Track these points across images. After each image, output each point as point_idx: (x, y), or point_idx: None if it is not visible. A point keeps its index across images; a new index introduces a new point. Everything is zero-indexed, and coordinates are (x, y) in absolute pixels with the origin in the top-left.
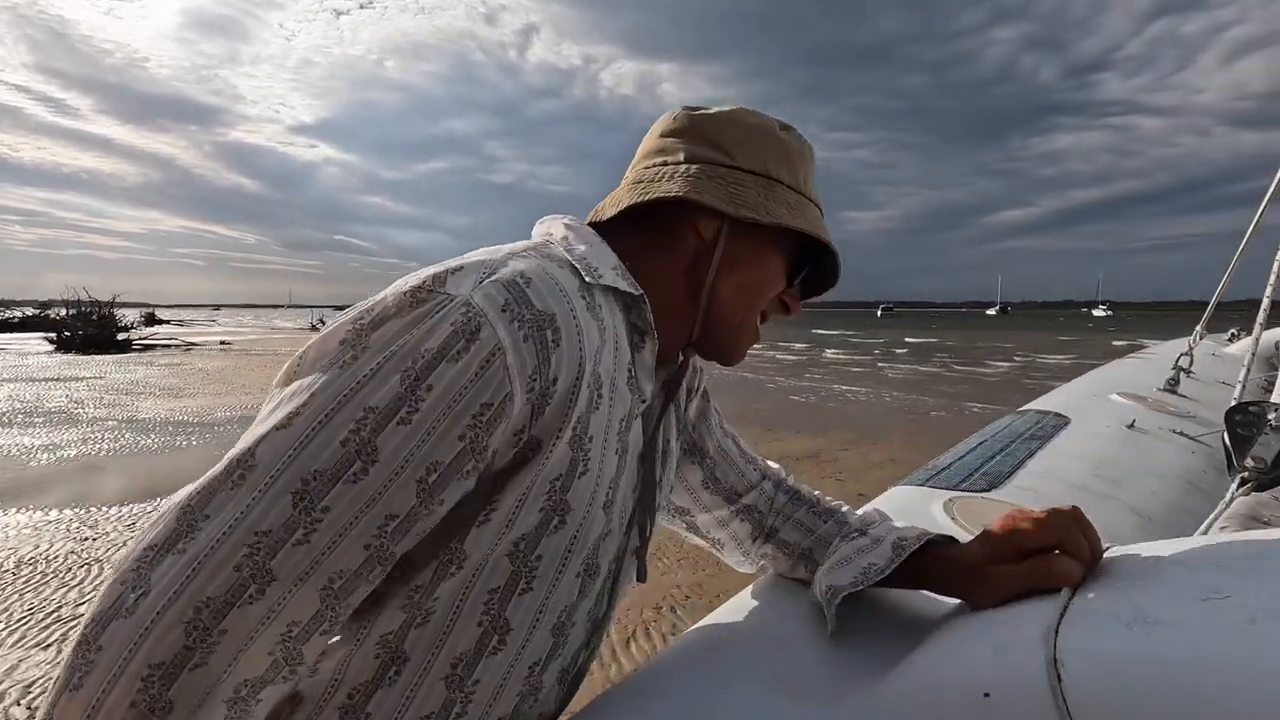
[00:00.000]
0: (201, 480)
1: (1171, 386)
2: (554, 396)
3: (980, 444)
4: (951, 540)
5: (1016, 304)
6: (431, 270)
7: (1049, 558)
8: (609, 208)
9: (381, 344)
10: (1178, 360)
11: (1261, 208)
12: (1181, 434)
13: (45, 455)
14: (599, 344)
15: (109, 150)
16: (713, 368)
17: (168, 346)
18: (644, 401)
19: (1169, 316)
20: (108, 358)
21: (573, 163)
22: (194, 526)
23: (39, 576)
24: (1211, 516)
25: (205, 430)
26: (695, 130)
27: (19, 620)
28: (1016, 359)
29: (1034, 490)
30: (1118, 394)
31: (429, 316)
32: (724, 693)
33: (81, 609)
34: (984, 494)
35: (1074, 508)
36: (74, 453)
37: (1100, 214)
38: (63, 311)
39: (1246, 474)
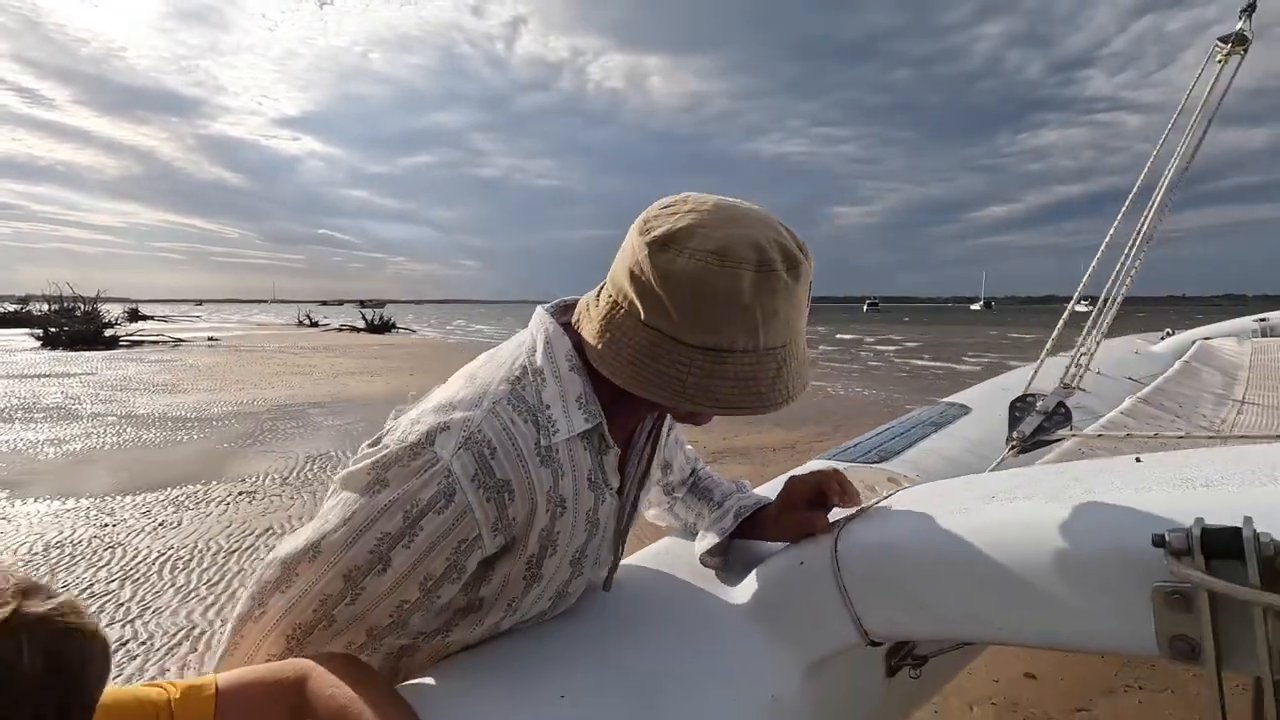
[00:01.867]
0: (297, 544)
1: (1071, 381)
2: (518, 526)
3: (890, 427)
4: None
5: (1001, 299)
6: (430, 420)
7: (811, 520)
8: (588, 330)
9: (396, 481)
10: (1076, 358)
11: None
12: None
13: (51, 449)
14: (552, 481)
15: (87, 142)
16: None
17: (155, 343)
18: (610, 488)
19: (1145, 311)
20: (97, 354)
21: (561, 156)
22: (290, 578)
23: (68, 558)
24: (989, 470)
25: (204, 425)
26: (653, 295)
27: None
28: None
29: (913, 462)
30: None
31: (423, 471)
32: (665, 591)
33: (112, 586)
34: (873, 465)
35: (835, 470)
36: (78, 447)
37: (1083, 210)
38: (44, 307)
39: (1012, 442)
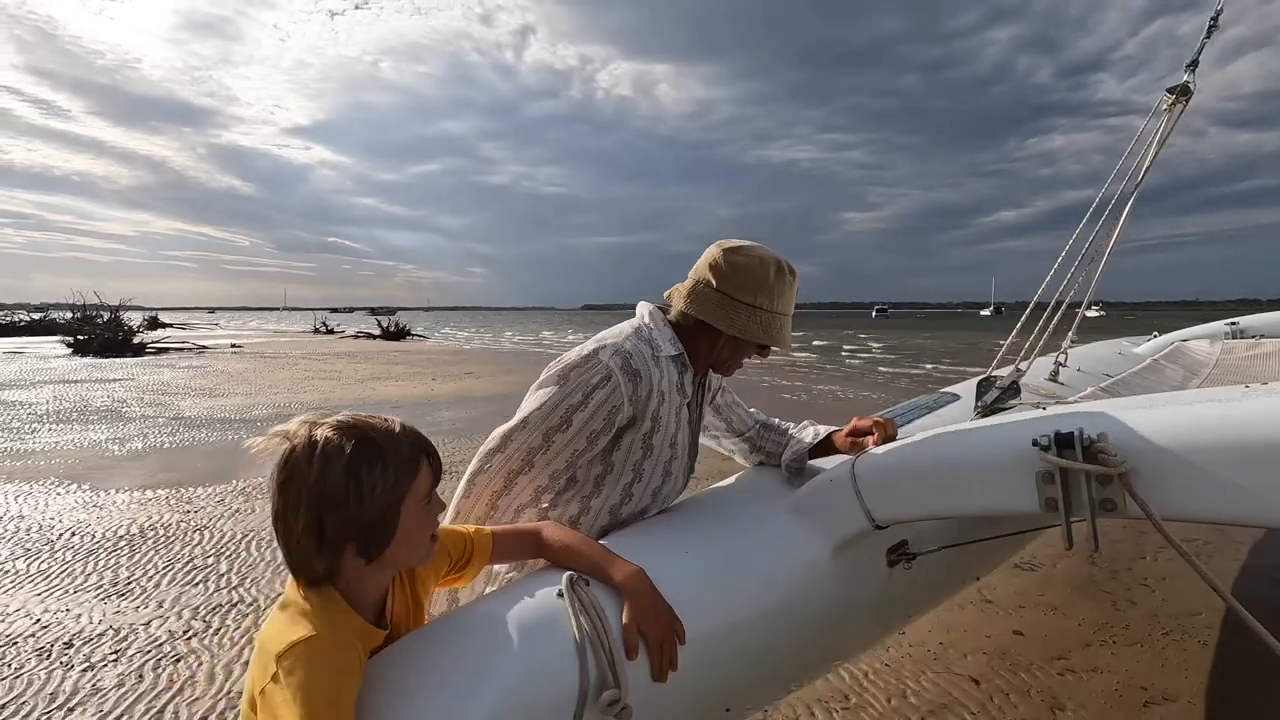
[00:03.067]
0: (511, 424)
1: (1053, 376)
2: (641, 402)
3: (891, 410)
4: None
5: (1011, 304)
6: (593, 345)
7: (865, 443)
8: (676, 300)
9: (574, 378)
10: (1056, 357)
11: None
12: (1038, 406)
13: (115, 447)
14: (660, 378)
15: (101, 152)
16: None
17: (181, 349)
18: (686, 398)
19: (1160, 316)
20: (128, 360)
21: (569, 164)
22: (505, 444)
23: (163, 540)
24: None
25: (250, 426)
26: (723, 272)
27: (164, 568)
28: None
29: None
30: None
31: (593, 368)
32: (745, 498)
33: (210, 560)
34: None
35: (886, 418)
36: (140, 445)
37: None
38: (67, 314)
39: (978, 408)
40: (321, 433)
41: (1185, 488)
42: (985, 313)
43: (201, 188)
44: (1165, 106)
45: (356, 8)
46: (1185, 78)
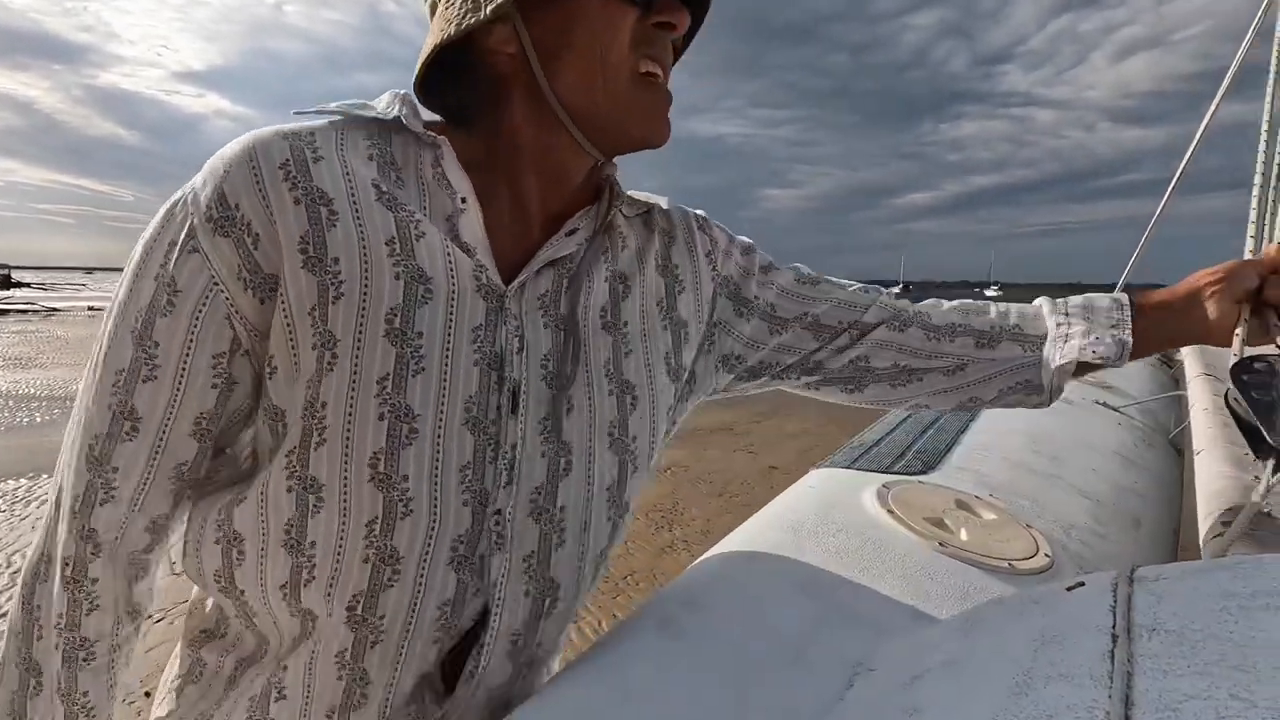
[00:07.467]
0: None
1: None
2: (244, 213)
3: (909, 418)
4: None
5: (918, 283)
6: None
7: None
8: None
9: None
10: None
11: (1166, 197)
12: (1104, 405)
13: None
14: (287, 156)
15: None
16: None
17: (24, 312)
18: (447, 215)
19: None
20: None
21: None
22: None
23: None
24: (1244, 512)
25: (56, 405)
26: None
27: None
28: None
29: (975, 471)
30: None
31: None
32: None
33: None
34: (921, 477)
35: None
36: None
37: (996, 199)
38: None
39: (1270, 455)
40: None
41: None
42: (895, 290)
43: (78, 134)
44: None
45: None
46: None
